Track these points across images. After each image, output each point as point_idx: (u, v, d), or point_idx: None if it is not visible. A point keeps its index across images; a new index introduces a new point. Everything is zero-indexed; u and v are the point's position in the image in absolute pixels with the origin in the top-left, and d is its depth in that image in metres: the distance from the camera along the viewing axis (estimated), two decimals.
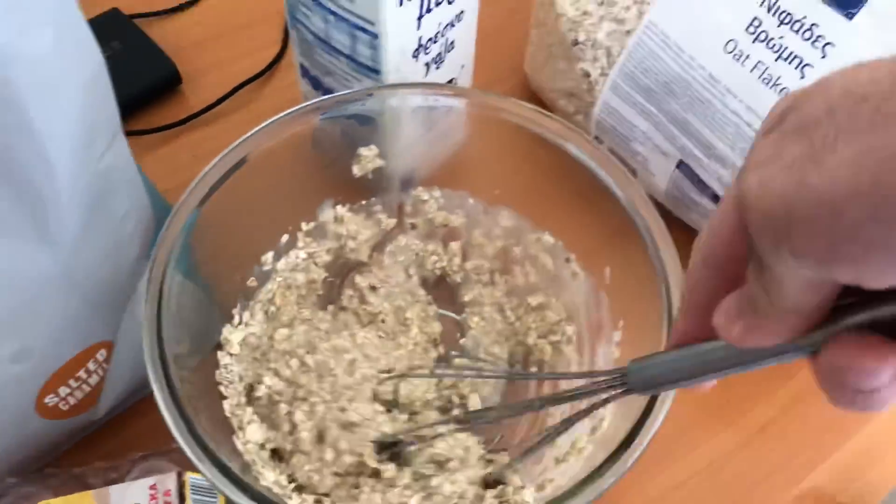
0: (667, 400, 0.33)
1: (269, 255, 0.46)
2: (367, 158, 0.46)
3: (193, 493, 0.38)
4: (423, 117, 0.47)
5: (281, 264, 0.46)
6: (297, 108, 0.43)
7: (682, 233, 0.52)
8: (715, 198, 0.47)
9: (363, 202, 0.48)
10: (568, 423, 0.34)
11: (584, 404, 0.33)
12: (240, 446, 0.38)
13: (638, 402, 0.35)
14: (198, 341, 0.40)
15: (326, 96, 0.44)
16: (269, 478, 0.37)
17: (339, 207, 0.47)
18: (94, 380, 0.41)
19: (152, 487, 0.37)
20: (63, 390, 0.39)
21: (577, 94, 0.54)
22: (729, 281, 0.23)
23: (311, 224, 0.47)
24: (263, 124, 0.42)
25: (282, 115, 0.42)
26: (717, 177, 0.46)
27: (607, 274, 0.43)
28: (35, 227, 0.33)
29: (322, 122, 0.44)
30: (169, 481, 0.37)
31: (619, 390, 0.29)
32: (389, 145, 0.48)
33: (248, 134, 0.42)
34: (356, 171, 0.46)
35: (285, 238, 0.46)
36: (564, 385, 0.43)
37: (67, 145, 0.32)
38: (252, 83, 0.61)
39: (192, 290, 0.40)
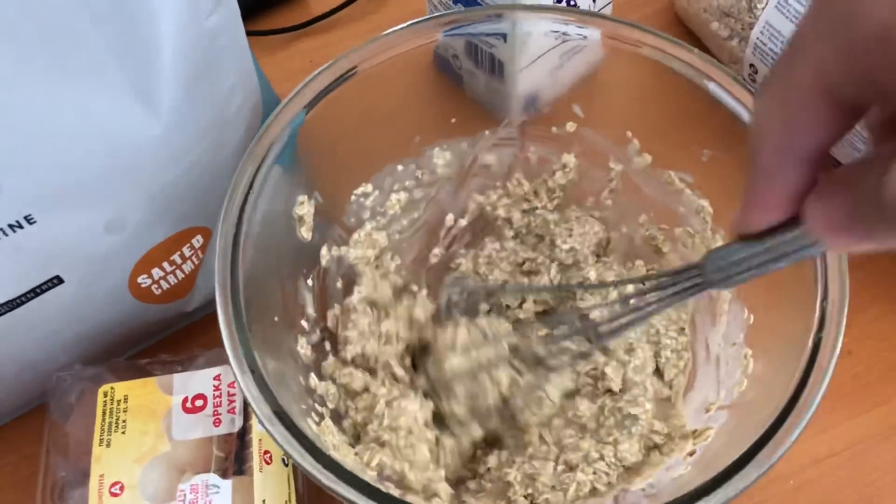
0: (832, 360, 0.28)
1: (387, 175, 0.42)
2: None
3: None
4: (553, 41, 0.42)
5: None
6: (417, 20, 0.39)
7: None
8: None
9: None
10: (648, 311, 0.30)
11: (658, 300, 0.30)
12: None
13: (783, 370, 0.30)
14: (285, 251, 0.38)
15: (449, 11, 0.40)
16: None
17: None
18: (188, 267, 0.39)
19: (216, 378, 0.35)
20: (157, 272, 0.38)
21: (733, 13, 0.47)
22: (808, 176, 0.21)
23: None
24: (378, 36, 0.38)
25: (400, 27, 0.39)
26: None
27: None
28: (137, 86, 0.31)
29: (444, 39, 0.40)
30: None
31: (697, 283, 0.27)
32: (515, 65, 0.43)
33: (362, 45, 0.38)
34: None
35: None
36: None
37: None
38: None
39: (293, 190, 0.37)
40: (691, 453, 0.34)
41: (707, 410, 0.36)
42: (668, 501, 0.27)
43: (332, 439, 0.33)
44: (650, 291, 0.31)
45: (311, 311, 0.38)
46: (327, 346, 0.38)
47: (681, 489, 0.29)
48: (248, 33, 0.55)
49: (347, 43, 0.57)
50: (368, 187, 0.41)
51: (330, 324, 0.39)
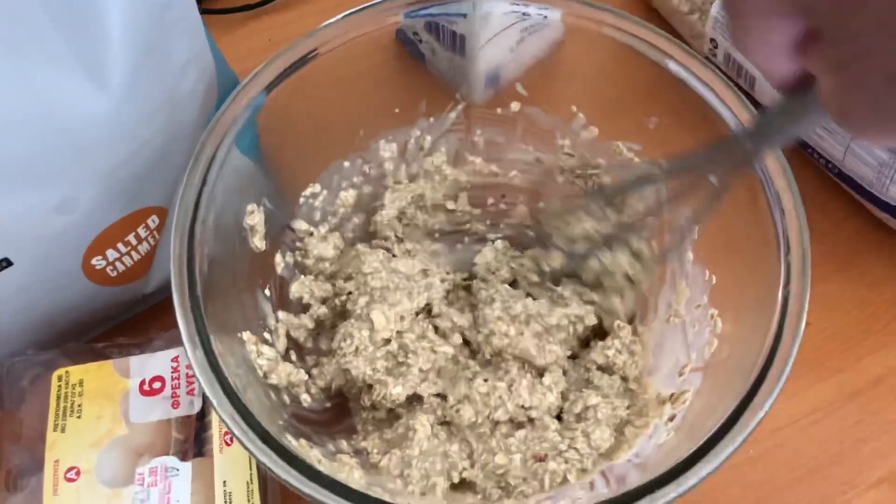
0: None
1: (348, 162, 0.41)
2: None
3: None
4: (514, 18, 0.42)
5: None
6: (375, 2, 0.38)
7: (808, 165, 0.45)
8: None
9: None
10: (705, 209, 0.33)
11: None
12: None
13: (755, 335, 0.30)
14: (239, 262, 0.36)
15: None
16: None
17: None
18: (144, 248, 0.38)
19: (174, 360, 0.35)
20: (111, 253, 0.37)
21: None
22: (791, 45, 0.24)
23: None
24: (337, 18, 0.37)
25: (359, 8, 0.38)
26: None
27: None
28: (85, 60, 0.30)
29: (405, 21, 0.39)
30: None
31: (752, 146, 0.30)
32: (476, 41, 0.43)
33: (322, 26, 0.37)
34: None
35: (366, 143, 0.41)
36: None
37: None
38: None
39: (254, 171, 0.36)
40: (671, 418, 0.34)
41: (680, 374, 0.36)
42: (661, 473, 0.27)
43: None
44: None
45: (271, 322, 0.37)
46: (293, 355, 0.37)
47: (668, 456, 0.29)
48: (206, 11, 0.55)
49: (306, 21, 0.56)
50: (317, 187, 0.40)
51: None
